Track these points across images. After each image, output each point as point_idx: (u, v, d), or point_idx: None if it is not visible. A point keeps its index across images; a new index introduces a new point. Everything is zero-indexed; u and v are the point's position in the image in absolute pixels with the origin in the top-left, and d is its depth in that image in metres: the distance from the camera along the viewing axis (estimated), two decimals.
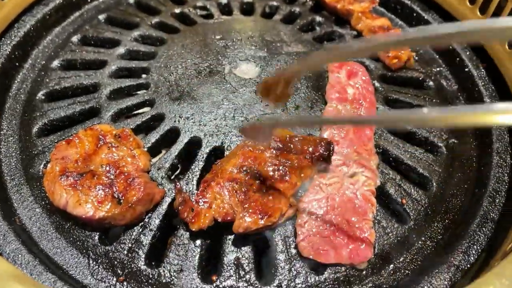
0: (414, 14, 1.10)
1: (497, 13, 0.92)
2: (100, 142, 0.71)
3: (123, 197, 0.65)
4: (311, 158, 0.69)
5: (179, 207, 0.66)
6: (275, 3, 1.09)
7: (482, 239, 0.71)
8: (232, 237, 0.67)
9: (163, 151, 0.83)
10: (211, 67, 0.87)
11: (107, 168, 0.68)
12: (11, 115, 0.82)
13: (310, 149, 0.70)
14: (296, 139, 0.71)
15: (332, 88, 0.84)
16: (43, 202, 0.70)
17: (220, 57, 0.89)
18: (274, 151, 0.70)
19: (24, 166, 0.75)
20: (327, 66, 0.89)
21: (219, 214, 0.65)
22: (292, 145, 0.71)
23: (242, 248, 0.66)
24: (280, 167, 0.68)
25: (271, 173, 0.68)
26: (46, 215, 0.69)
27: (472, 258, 0.68)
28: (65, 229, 0.67)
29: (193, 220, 0.64)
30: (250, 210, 0.64)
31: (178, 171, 0.78)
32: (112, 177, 0.67)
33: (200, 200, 0.65)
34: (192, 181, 0.72)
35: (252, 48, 0.91)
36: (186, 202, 0.66)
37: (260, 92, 0.64)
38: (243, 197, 0.65)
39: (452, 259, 0.68)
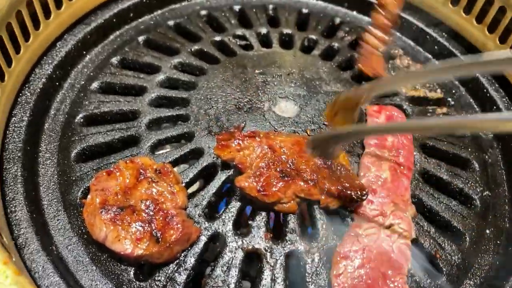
0: (451, 56, 1.09)
1: None
2: (141, 176, 0.72)
3: (161, 236, 0.66)
4: (340, 192, 0.70)
5: (224, 132, 0.78)
6: (314, 37, 1.09)
7: None
8: (266, 283, 0.67)
9: (198, 183, 0.84)
10: (251, 103, 0.87)
11: (147, 204, 0.69)
12: (50, 137, 0.83)
13: (346, 184, 0.71)
14: (343, 169, 0.73)
15: None
16: (80, 231, 0.71)
17: (260, 93, 0.89)
18: (320, 163, 0.73)
19: (62, 191, 0.75)
20: (366, 109, 0.89)
21: (238, 160, 0.72)
22: (336, 170, 0.73)
23: None
24: (314, 174, 0.71)
25: (302, 171, 0.71)
26: (82, 245, 0.69)
27: None
28: (101, 261, 0.68)
29: (219, 146, 0.73)
30: (257, 179, 0.69)
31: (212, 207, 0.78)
32: (151, 213, 0.68)
33: (239, 141, 0.72)
34: (229, 221, 0.72)
35: (292, 86, 0.92)
36: (231, 134, 0.74)
37: (327, 114, 0.68)
38: (264, 166, 0.70)
39: None
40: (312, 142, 0.71)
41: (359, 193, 0.71)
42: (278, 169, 0.71)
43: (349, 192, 0.70)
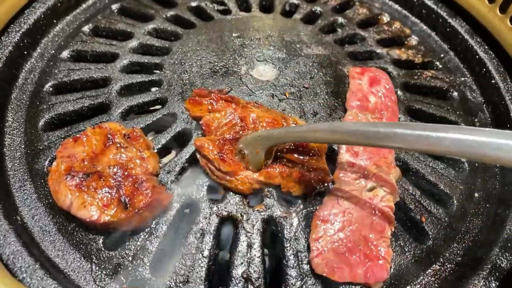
0: (440, 20, 1.05)
1: None
2: (109, 141, 0.68)
3: (129, 202, 0.62)
4: (300, 176, 0.66)
5: (202, 88, 0.75)
6: (295, 1, 1.05)
7: (505, 265, 0.67)
8: (242, 249, 0.63)
9: (174, 152, 0.80)
10: (227, 66, 0.83)
11: (115, 170, 0.65)
12: (17, 106, 0.79)
13: (309, 168, 0.67)
14: (314, 152, 0.68)
15: (353, 96, 0.80)
16: (47, 201, 0.67)
17: (237, 57, 0.85)
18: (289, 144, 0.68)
19: (29, 161, 0.72)
20: (348, 71, 0.85)
21: (205, 121, 0.69)
22: (305, 154, 0.68)
23: (252, 261, 0.62)
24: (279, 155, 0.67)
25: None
26: (49, 215, 0.66)
27: (493, 285, 0.65)
28: (68, 231, 0.64)
29: (191, 100, 0.71)
30: (217, 143, 0.65)
31: (186, 173, 0.74)
32: (119, 179, 0.64)
33: (213, 101, 0.70)
34: (203, 186, 0.68)
35: (271, 49, 0.87)
36: (208, 92, 0.72)
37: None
38: (229, 138, 0.67)
39: (471, 285, 0.64)
40: (240, 143, 0.65)
41: (320, 178, 0.66)
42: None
43: (309, 177, 0.66)
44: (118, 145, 0.68)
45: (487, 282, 0.65)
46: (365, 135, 0.46)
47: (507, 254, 0.68)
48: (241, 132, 0.67)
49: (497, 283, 0.65)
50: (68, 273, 0.61)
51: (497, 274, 0.66)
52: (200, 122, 0.68)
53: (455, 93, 0.92)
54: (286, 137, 0.60)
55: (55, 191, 0.63)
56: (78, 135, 0.68)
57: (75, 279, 0.60)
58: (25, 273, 0.58)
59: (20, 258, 0.59)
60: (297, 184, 0.66)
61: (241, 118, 0.68)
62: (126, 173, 0.65)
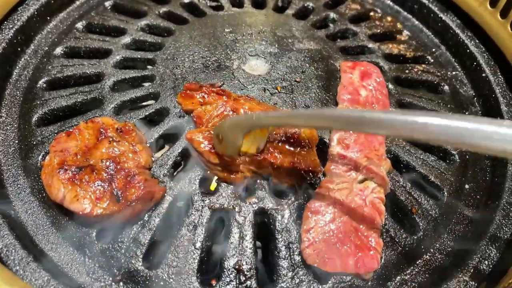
0: (431, 15, 1.06)
1: None
2: (101, 135, 0.69)
3: (122, 195, 0.63)
4: (291, 167, 0.66)
5: (194, 82, 0.75)
6: None
7: (494, 254, 0.68)
8: (234, 241, 0.64)
9: (167, 147, 0.81)
10: (219, 61, 0.83)
11: (107, 163, 0.66)
12: (11, 102, 0.79)
13: (299, 160, 0.67)
14: (305, 144, 0.68)
15: (344, 89, 0.81)
16: (40, 195, 0.68)
17: (229, 52, 0.85)
18: (280, 136, 0.68)
19: (22, 156, 0.72)
20: (339, 65, 0.86)
21: (197, 113, 0.70)
22: (296, 145, 0.68)
23: (244, 252, 0.63)
24: (270, 146, 0.67)
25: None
26: (42, 209, 0.66)
27: (482, 274, 0.66)
28: (61, 224, 0.65)
29: (183, 94, 0.72)
30: (207, 134, 0.66)
31: (180, 168, 0.75)
32: (112, 172, 0.65)
33: (204, 94, 0.71)
34: (195, 180, 0.69)
35: (263, 44, 0.88)
36: (200, 86, 0.72)
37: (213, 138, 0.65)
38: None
39: (461, 274, 0.65)
40: (217, 128, 0.64)
41: (310, 170, 0.67)
42: None
43: (299, 168, 0.66)
44: (111, 139, 0.68)
45: (476, 272, 0.66)
46: (349, 121, 0.45)
47: (496, 245, 0.69)
48: None
49: (487, 272, 0.66)
50: (62, 265, 0.61)
51: (486, 263, 0.67)
52: (192, 115, 0.69)
53: (446, 87, 0.93)
54: (265, 121, 0.58)
55: (48, 185, 0.64)
56: (71, 130, 0.69)
57: (68, 272, 0.61)
58: (18, 266, 0.58)
59: (13, 250, 0.60)
60: (288, 175, 0.67)
61: (232, 110, 0.69)
62: (118, 167, 0.66)
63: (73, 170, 0.64)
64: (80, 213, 0.61)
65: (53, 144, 0.67)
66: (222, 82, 0.78)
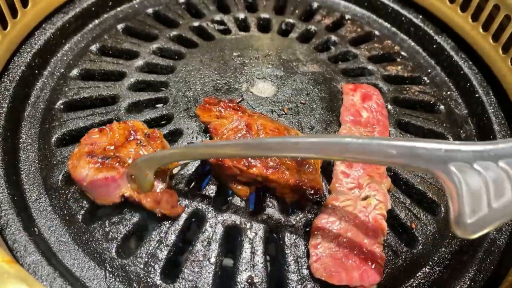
0: (427, 37, 1.11)
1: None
2: (131, 136, 0.72)
3: None
4: (296, 184, 0.70)
5: (213, 97, 0.81)
6: (291, 21, 1.11)
7: (489, 267, 0.73)
8: (246, 255, 0.68)
9: (179, 166, 0.85)
10: (229, 84, 0.88)
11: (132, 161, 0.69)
12: (30, 123, 0.83)
13: (305, 179, 0.71)
14: (310, 166, 0.73)
15: (346, 111, 0.86)
16: (62, 213, 0.71)
17: (237, 75, 0.90)
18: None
19: (43, 175, 0.76)
20: (341, 87, 0.91)
21: (213, 125, 0.74)
22: (302, 165, 0.72)
23: (256, 267, 0.67)
24: (278, 162, 0.71)
25: None
26: (64, 226, 0.70)
27: (478, 285, 0.70)
28: (83, 241, 0.69)
29: (202, 107, 0.76)
30: None
31: (192, 185, 0.79)
32: None
33: (221, 108, 0.76)
34: (209, 198, 0.73)
35: (269, 67, 0.93)
36: (218, 101, 0.77)
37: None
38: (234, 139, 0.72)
39: (459, 286, 0.70)
40: (130, 168, 0.67)
41: (313, 191, 0.71)
42: None
43: (304, 187, 0.70)
44: (139, 141, 0.71)
45: (472, 283, 0.70)
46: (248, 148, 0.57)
47: (491, 258, 0.74)
48: (246, 135, 0.73)
49: (482, 284, 0.71)
50: (84, 280, 0.65)
51: (481, 275, 0.71)
52: (209, 126, 0.75)
53: (442, 106, 0.98)
54: (170, 157, 0.65)
55: (73, 166, 0.67)
56: (103, 127, 0.72)
57: (91, 286, 0.64)
58: (46, 281, 0.62)
59: (40, 267, 0.63)
60: (291, 191, 0.71)
61: (246, 125, 0.73)
62: None
63: (100, 158, 0.67)
64: (103, 186, 0.65)
65: (85, 137, 0.71)
66: (241, 98, 0.83)
